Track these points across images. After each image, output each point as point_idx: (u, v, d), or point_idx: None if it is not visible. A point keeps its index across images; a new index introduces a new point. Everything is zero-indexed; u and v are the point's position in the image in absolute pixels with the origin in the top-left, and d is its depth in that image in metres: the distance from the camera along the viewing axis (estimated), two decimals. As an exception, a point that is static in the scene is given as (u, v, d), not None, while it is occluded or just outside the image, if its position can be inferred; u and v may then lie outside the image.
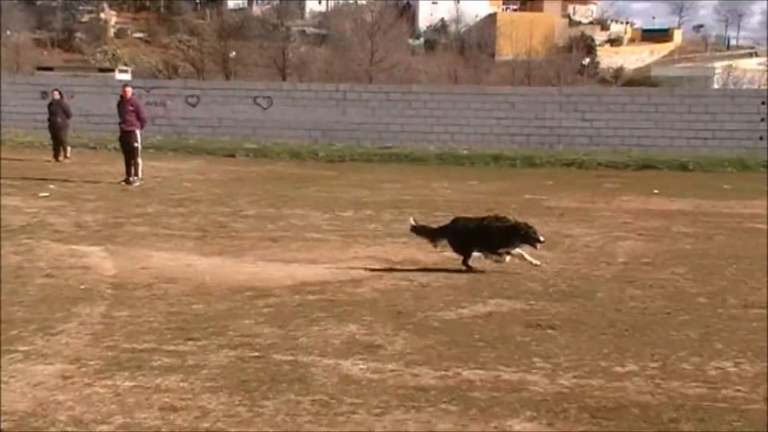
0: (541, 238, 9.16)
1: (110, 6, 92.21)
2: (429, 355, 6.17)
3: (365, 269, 9.32)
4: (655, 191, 18.38)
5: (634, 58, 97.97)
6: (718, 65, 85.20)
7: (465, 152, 27.31)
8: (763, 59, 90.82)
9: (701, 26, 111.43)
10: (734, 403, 5.11)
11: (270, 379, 5.58)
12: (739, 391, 5.33)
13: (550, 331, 6.79)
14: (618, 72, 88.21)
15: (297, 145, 27.40)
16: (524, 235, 9.14)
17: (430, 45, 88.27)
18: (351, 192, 17.07)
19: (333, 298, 7.87)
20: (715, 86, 69.39)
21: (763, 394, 5.25)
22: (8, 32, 76.14)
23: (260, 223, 12.71)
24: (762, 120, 27.58)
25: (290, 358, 6.06)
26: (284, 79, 64.14)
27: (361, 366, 5.90)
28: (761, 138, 27.47)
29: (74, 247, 10.44)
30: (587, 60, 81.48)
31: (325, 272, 9.15)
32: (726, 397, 5.23)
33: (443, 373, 5.75)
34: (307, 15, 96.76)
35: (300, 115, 29.56)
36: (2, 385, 5.44)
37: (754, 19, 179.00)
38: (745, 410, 4.99)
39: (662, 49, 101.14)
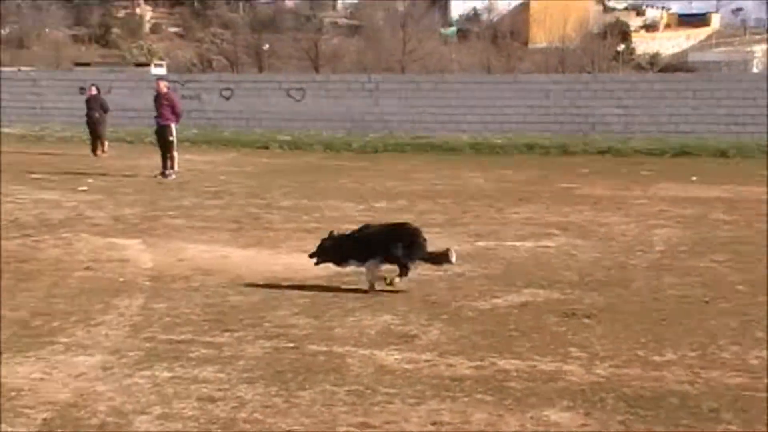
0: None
1: (146, 1, 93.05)
2: (464, 345, 6.16)
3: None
4: (693, 178, 18.17)
5: (671, 43, 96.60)
6: (758, 49, 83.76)
7: (498, 141, 27.17)
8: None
9: (740, 9, 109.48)
10: (775, 392, 5.05)
11: (305, 370, 5.61)
12: (779, 379, 5.27)
13: (586, 320, 6.74)
14: (654, 58, 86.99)
15: (330, 137, 27.41)
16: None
17: (462, 34, 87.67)
18: (384, 183, 17.05)
19: (367, 289, 7.88)
20: (755, 70, 68.37)
21: (803, 383, 5.19)
22: (47, 30, 77.30)
23: (294, 214, 12.76)
24: (801, 104, 27.13)
25: (325, 348, 6.09)
26: (317, 70, 64.08)
27: (396, 356, 5.91)
28: (802, 123, 27.02)
29: (112, 240, 10.56)
30: (622, 46, 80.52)
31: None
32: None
33: (478, 363, 5.74)
34: (339, 6, 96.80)
35: (333, 106, 29.57)
36: (44, 376, 5.53)
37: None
38: (786, 399, 4.93)
39: (699, 34, 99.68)
